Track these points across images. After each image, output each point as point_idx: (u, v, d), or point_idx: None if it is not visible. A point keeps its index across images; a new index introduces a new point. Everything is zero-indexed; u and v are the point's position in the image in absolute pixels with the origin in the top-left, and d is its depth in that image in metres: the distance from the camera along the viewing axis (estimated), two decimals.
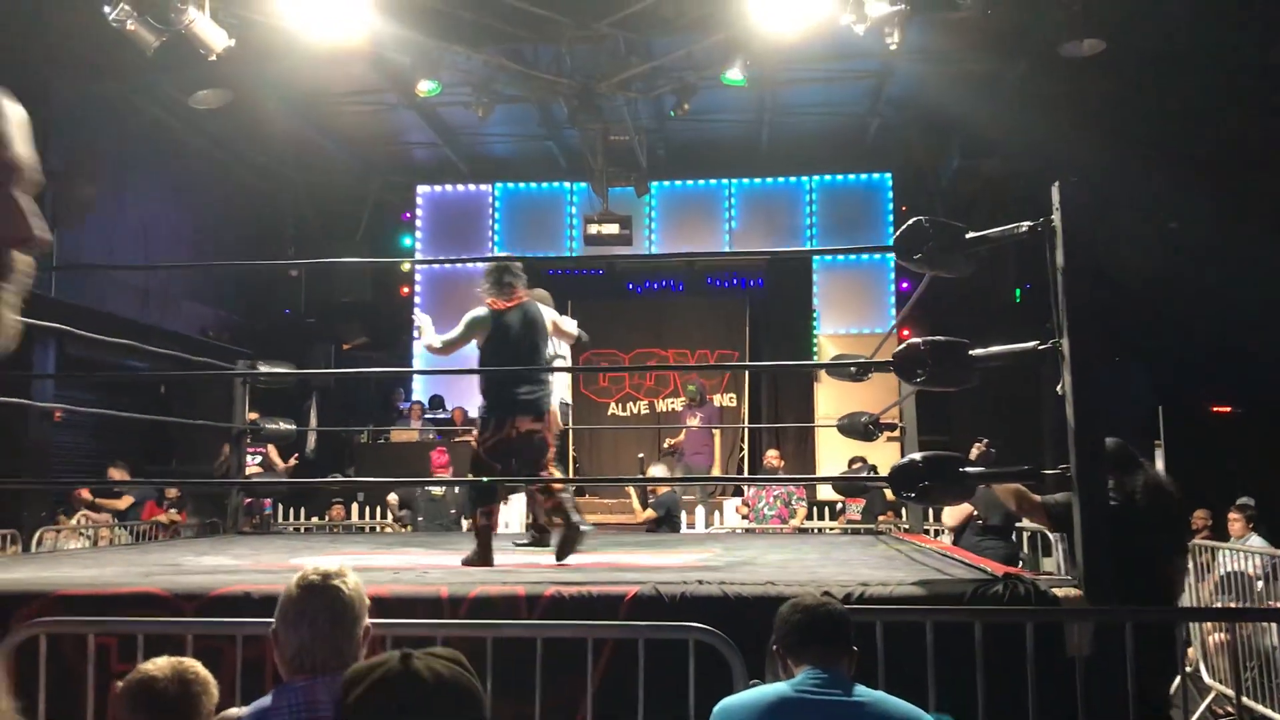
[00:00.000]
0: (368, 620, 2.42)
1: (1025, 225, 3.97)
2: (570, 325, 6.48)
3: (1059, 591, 3.69)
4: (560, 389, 7.48)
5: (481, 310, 5.93)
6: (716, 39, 9.58)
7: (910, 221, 4.20)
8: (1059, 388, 3.85)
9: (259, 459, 11.18)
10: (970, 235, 4.11)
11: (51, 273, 10.16)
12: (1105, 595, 3.62)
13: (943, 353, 4.10)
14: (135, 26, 7.57)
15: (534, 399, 5.90)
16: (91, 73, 10.50)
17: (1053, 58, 10.42)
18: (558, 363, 6.76)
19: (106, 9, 7.47)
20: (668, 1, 8.91)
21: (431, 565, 5.44)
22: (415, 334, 8.58)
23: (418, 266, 15.84)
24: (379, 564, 5.67)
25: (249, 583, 4.02)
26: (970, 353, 4.06)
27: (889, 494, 9.33)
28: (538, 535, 6.82)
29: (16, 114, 1.25)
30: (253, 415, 8.36)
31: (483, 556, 5.56)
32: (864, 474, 7.96)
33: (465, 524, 9.86)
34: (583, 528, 5.62)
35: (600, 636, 3.49)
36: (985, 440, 4.75)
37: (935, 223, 4.16)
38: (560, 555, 5.51)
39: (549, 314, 6.19)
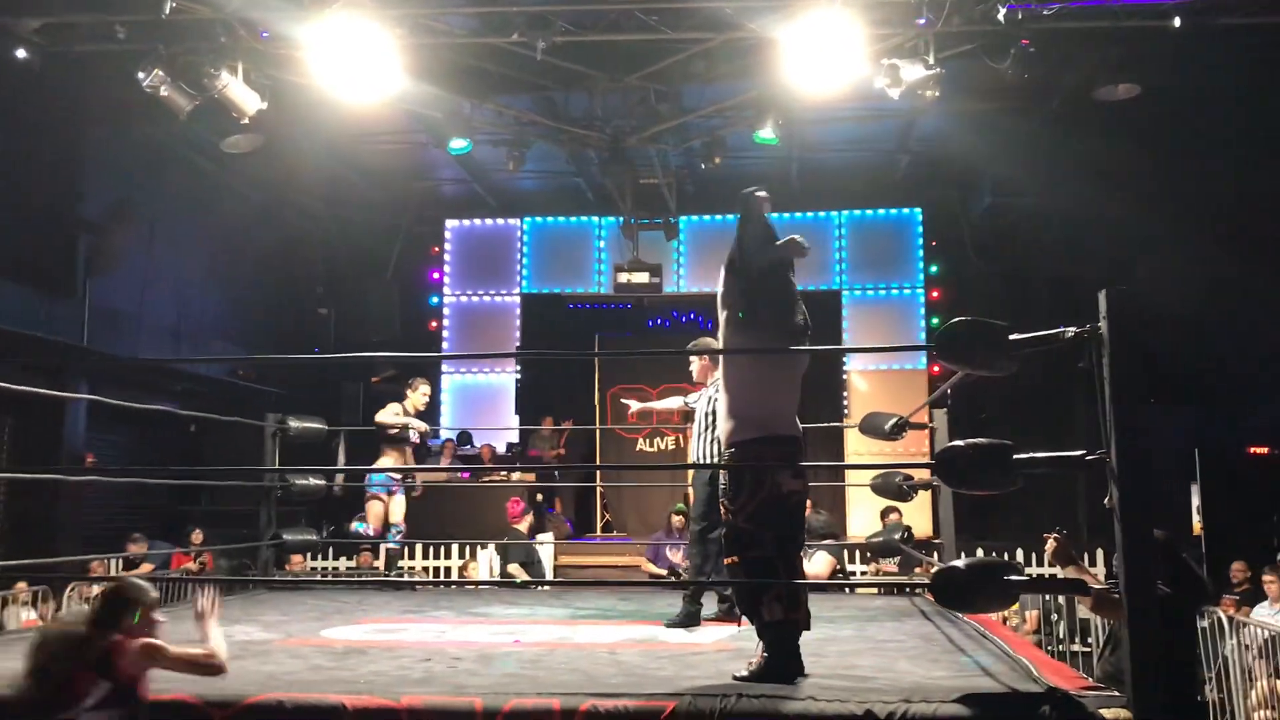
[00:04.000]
0: None
1: (1071, 331, 3.87)
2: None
3: (1108, 714, 3.61)
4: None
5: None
6: (748, 96, 9.54)
7: (951, 322, 4.12)
8: (1106, 501, 3.75)
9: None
10: (1014, 338, 4.02)
11: (84, 322, 10.23)
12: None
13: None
14: (169, 92, 7.59)
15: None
16: (125, 120, 10.56)
17: (1086, 100, 10.31)
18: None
19: (140, 75, 7.50)
20: (699, 57, 8.87)
21: (464, 644, 5.37)
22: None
23: (445, 300, 15.87)
24: (411, 640, 5.64)
25: (282, 690, 4.01)
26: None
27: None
28: (726, 609, 6.30)
29: None
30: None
31: (786, 665, 4.17)
32: (899, 534, 7.84)
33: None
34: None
35: None
36: (1063, 530, 4.43)
37: (977, 324, 4.07)
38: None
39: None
